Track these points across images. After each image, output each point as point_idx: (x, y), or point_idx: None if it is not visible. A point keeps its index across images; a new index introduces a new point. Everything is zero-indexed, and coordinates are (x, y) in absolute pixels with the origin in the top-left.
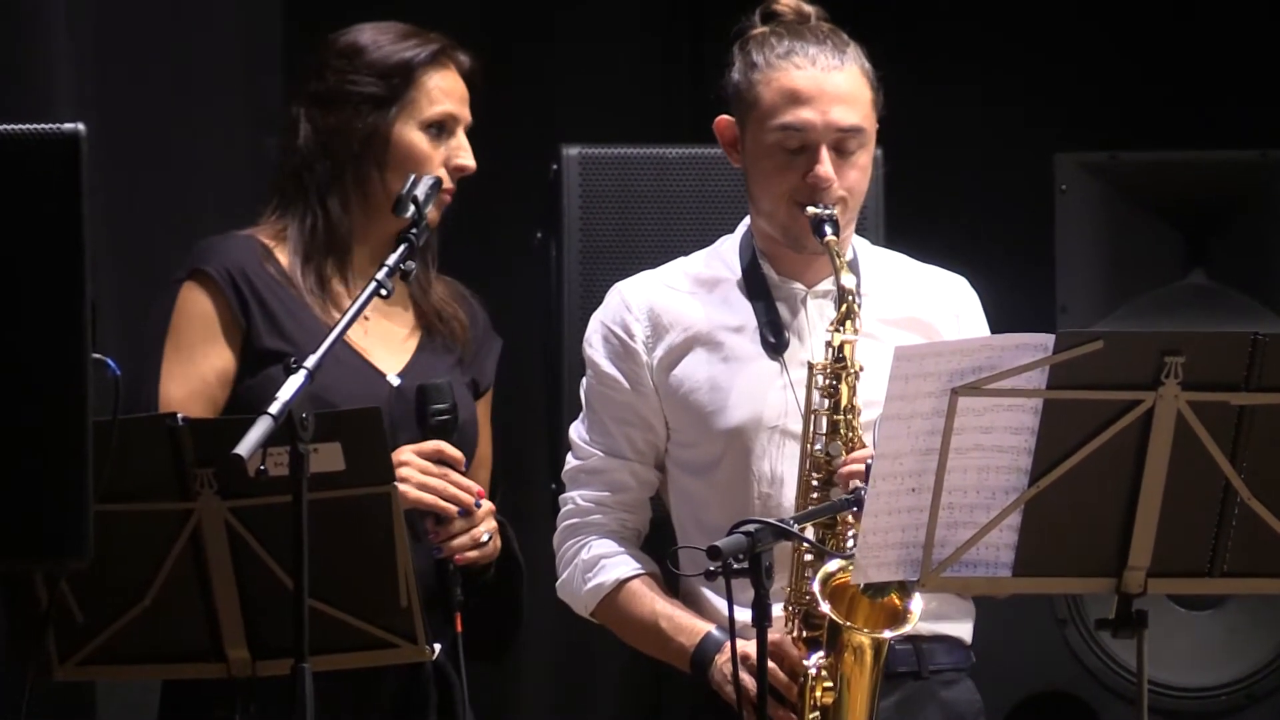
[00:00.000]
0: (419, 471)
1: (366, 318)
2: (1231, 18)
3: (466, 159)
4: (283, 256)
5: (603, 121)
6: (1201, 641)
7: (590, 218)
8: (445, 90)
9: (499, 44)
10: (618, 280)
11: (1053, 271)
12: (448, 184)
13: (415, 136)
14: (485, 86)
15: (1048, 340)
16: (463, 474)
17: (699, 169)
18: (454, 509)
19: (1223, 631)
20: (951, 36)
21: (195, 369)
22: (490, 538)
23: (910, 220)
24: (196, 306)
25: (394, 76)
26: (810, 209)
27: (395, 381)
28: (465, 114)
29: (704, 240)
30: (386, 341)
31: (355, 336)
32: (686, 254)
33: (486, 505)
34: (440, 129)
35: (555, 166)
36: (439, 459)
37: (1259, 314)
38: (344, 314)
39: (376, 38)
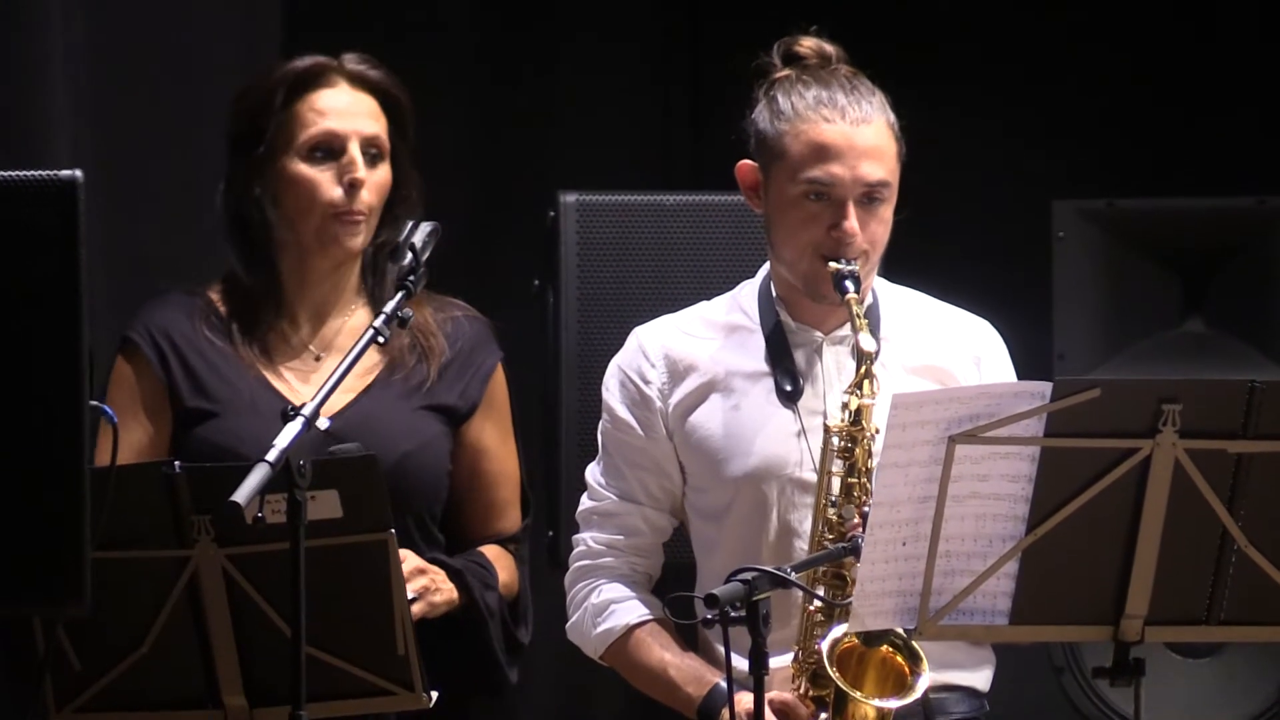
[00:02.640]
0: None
1: (318, 357)
2: (1228, 67)
3: (355, 172)
4: (226, 311)
5: (601, 169)
6: (1199, 690)
7: (588, 265)
8: (321, 109)
9: (498, 91)
10: (616, 327)
11: (1050, 318)
12: (353, 206)
13: (298, 167)
14: (483, 133)
15: (1045, 388)
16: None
17: (697, 216)
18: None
19: (1220, 679)
20: (949, 84)
21: (127, 437)
22: (418, 598)
23: (907, 265)
24: (121, 376)
25: (261, 112)
26: (833, 264)
27: (324, 425)
28: (360, 129)
29: (701, 287)
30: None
31: (292, 382)
32: (684, 301)
33: (412, 562)
34: (326, 151)
35: (553, 213)
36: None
37: (1256, 361)
38: (341, 361)
39: (263, 71)
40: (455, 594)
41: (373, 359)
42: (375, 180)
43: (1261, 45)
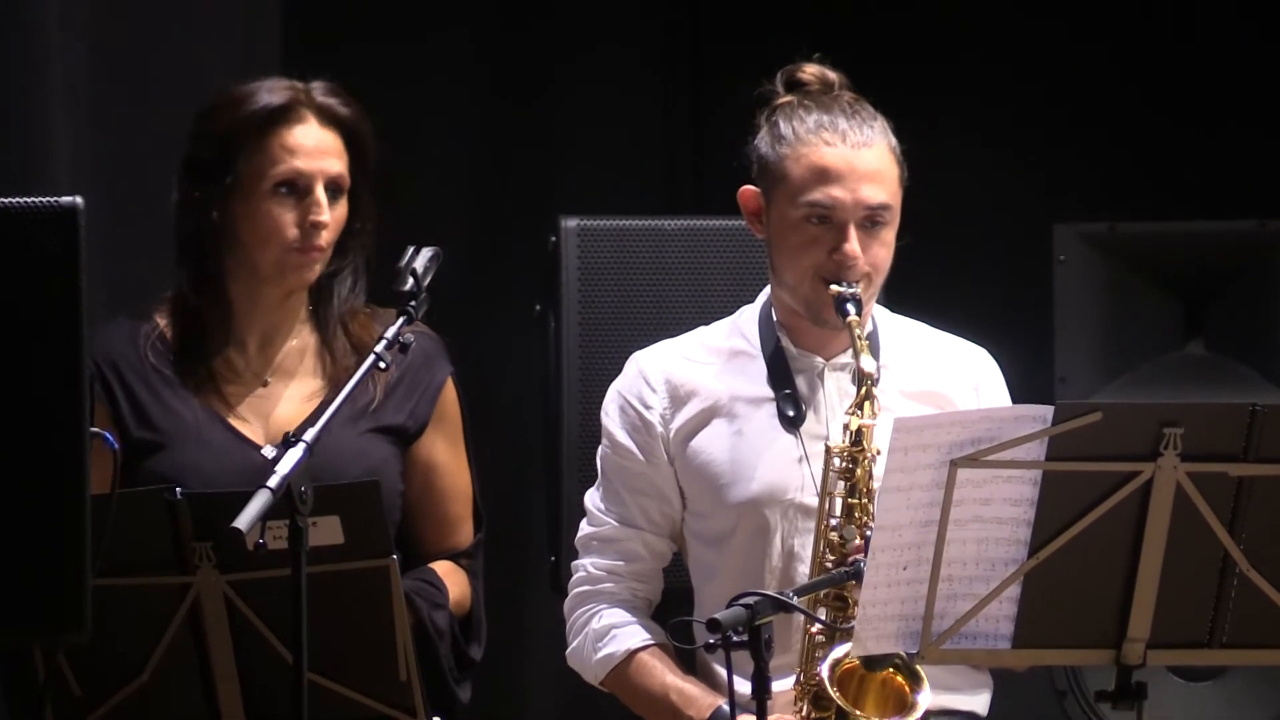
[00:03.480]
0: None
1: (266, 382)
2: (1228, 90)
3: (318, 214)
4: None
5: (602, 194)
6: (1201, 713)
7: (589, 289)
8: (290, 147)
9: (498, 116)
10: (617, 352)
11: (1051, 342)
12: (312, 243)
13: (262, 202)
14: (484, 157)
15: (1046, 412)
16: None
17: (698, 241)
18: None
19: (1222, 703)
20: (950, 107)
21: None
22: None
23: (909, 289)
24: None
25: (230, 142)
26: (835, 287)
27: (270, 453)
28: (326, 168)
29: (702, 312)
30: (282, 405)
31: (239, 409)
32: (685, 326)
33: None
34: (291, 188)
35: (554, 238)
36: None
37: (1258, 384)
38: (341, 389)
39: (231, 96)
40: None
41: (317, 382)
42: (335, 217)
43: (1262, 68)
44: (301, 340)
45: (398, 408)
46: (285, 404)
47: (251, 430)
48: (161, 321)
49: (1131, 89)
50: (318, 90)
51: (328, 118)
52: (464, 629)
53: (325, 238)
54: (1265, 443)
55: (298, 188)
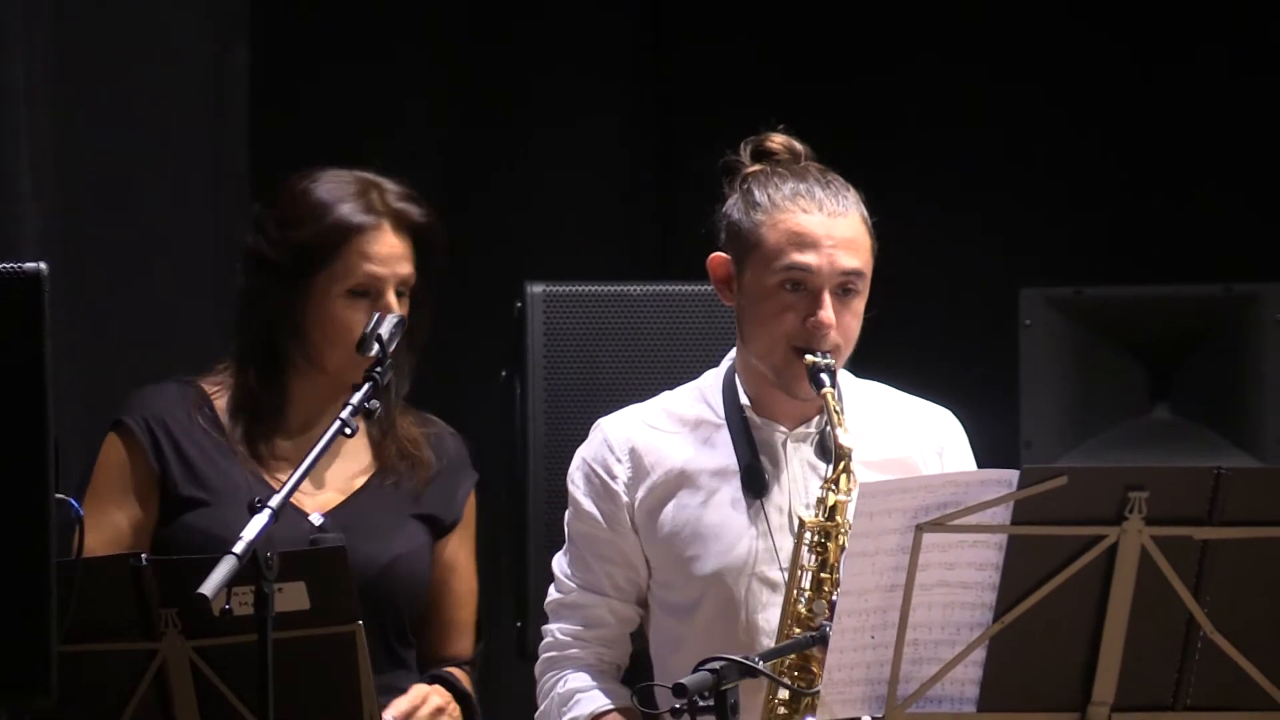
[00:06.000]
0: None
1: None
2: (1196, 155)
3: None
4: (221, 405)
5: (567, 259)
6: None
7: (555, 355)
8: (368, 254)
9: (464, 182)
10: (583, 417)
11: (1017, 406)
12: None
13: (335, 306)
14: (450, 223)
15: (1012, 476)
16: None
17: (664, 306)
18: None
19: None
20: (915, 173)
21: (109, 518)
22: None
23: (875, 352)
24: (113, 458)
25: (313, 254)
26: (809, 357)
27: (317, 520)
28: (398, 271)
29: (669, 377)
30: (328, 480)
31: (281, 477)
32: (651, 391)
33: (433, 702)
34: (365, 294)
35: (519, 304)
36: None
37: (1223, 448)
38: (308, 454)
39: (310, 205)
40: None
41: (364, 462)
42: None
43: (1228, 133)
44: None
45: (434, 499)
46: (330, 480)
47: (298, 499)
48: (210, 390)
49: (1097, 153)
50: (392, 195)
51: (402, 224)
52: None
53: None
54: (1230, 506)
55: (369, 292)
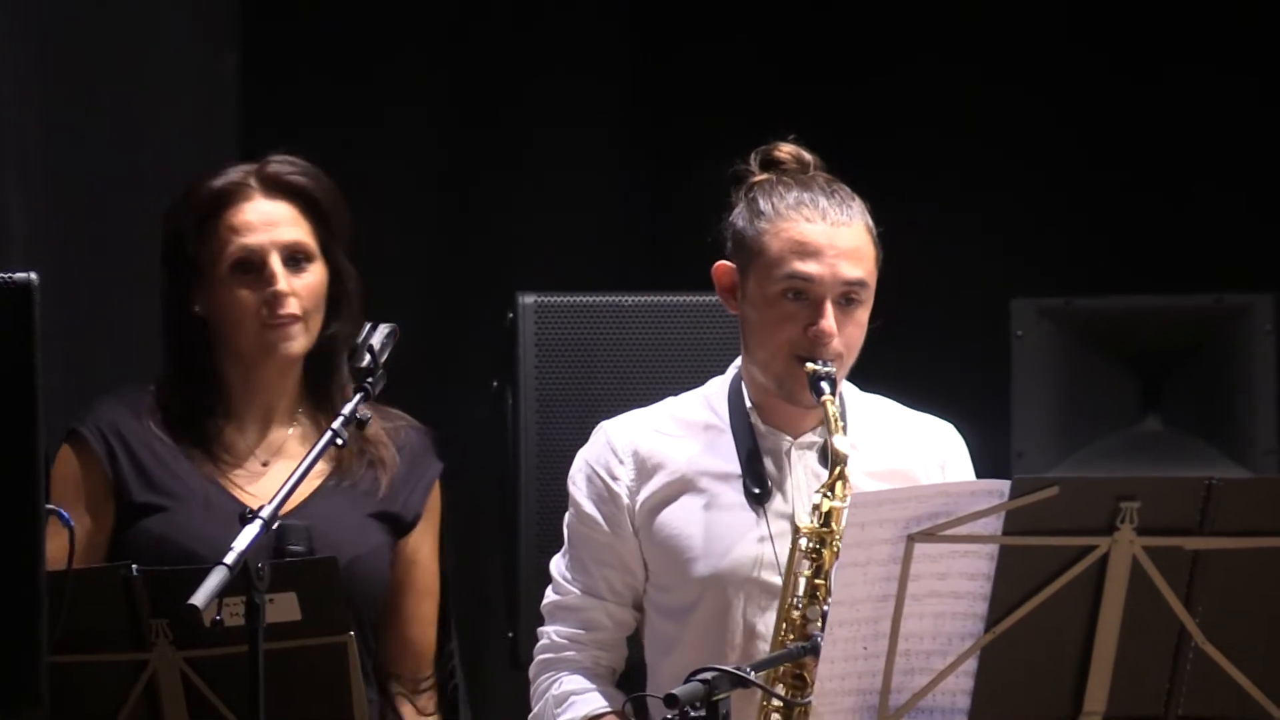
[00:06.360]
0: None
1: (265, 463)
2: (1187, 166)
3: (274, 284)
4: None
5: (559, 269)
6: None
7: (546, 366)
8: (235, 226)
9: (456, 192)
10: (575, 427)
11: (1009, 416)
12: (279, 314)
13: (224, 288)
14: (441, 233)
15: (1003, 486)
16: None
17: (656, 317)
18: None
19: None
20: (906, 182)
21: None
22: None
23: (865, 362)
24: (66, 468)
25: (184, 234)
26: (810, 365)
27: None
28: (278, 239)
29: (661, 387)
30: (281, 481)
31: (238, 480)
32: (642, 401)
33: None
34: (247, 267)
35: (511, 314)
36: None
37: (1214, 459)
38: (300, 464)
39: (185, 189)
40: None
41: (321, 464)
42: (305, 284)
43: (1221, 142)
44: (303, 428)
45: (394, 498)
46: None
47: (254, 503)
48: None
49: (1089, 163)
50: (269, 164)
51: (276, 188)
52: None
53: (294, 306)
54: (1221, 516)
55: (253, 265)
